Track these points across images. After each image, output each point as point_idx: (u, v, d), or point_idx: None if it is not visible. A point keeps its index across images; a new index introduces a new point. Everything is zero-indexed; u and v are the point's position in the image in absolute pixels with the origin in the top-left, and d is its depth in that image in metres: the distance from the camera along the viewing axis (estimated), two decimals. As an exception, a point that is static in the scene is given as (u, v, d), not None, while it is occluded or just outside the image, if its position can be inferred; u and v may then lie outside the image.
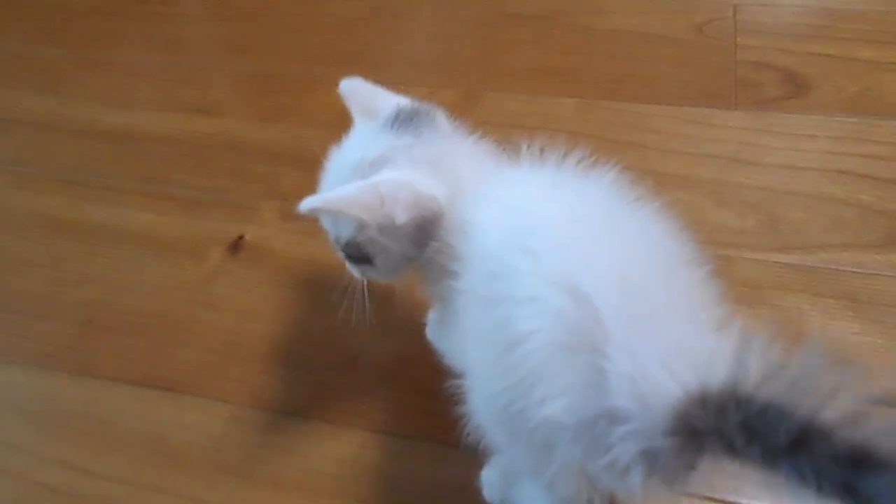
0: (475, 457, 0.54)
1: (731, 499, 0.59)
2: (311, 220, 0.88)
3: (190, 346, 0.76)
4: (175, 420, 0.70)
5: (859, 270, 0.76)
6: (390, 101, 0.59)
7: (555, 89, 1.05)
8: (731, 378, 0.35)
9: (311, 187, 0.95)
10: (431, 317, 0.71)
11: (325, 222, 0.58)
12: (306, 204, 0.53)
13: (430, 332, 0.71)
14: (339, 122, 1.02)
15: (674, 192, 0.86)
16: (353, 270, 0.60)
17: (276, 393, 0.71)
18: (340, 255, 0.58)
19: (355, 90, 0.62)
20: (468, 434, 0.49)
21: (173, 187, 0.95)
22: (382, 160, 0.54)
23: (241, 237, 0.87)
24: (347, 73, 1.15)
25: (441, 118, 0.57)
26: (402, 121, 0.55)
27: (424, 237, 0.53)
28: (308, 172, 0.97)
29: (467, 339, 0.47)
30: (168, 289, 0.82)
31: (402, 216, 0.52)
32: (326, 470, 0.65)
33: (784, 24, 1.10)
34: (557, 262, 0.40)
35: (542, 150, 0.52)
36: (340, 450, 0.66)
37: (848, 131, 0.91)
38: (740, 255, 0.78)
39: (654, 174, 0.89)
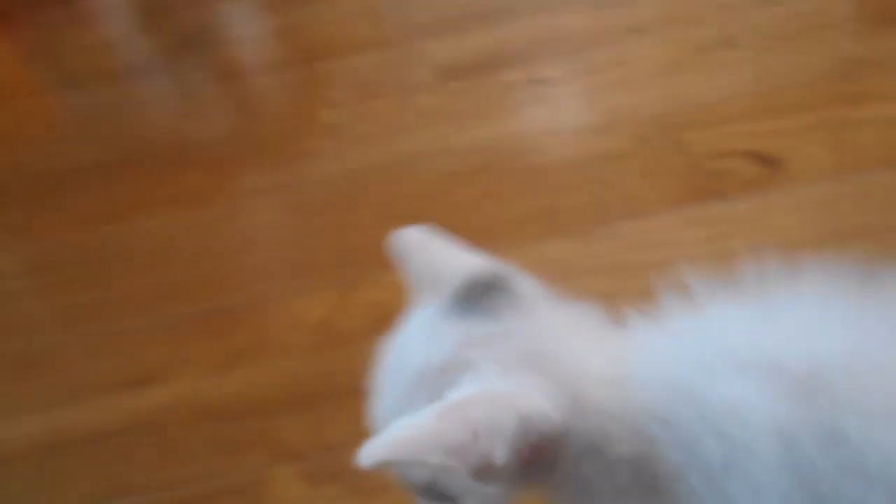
0: None
1: None
2: (362, 474, 0.69)
3: None
4: None
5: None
6: (465, 263, 0.43)
7: (535, 234, 0.96)
8: None
9: (325, 432, 0.76)
10: None
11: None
12: (369, 455, 0.34)
13: None
14: (318, 339, 0.87)
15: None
16: None
17: None
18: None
19: (420, 247, 0.45)
20: None
21: (145, 495, 0.71)
22: (458, 364, 0.37)
23: (263, 531, 0.65)
24: (295, 283, 1.01)
25: (526, 285, 0.42)
26: (476, 297, 0.40)
27: (539, 469, 0.37)
28: (313, 413, 0.78)
29: None
30: None
31: (503, 453, 0.34)
32: None
33: (722, 117, 1.10)
34: None
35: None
36: None
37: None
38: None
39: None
